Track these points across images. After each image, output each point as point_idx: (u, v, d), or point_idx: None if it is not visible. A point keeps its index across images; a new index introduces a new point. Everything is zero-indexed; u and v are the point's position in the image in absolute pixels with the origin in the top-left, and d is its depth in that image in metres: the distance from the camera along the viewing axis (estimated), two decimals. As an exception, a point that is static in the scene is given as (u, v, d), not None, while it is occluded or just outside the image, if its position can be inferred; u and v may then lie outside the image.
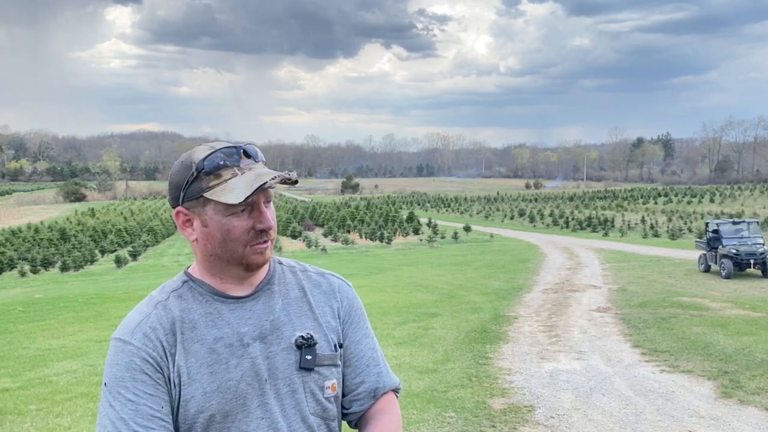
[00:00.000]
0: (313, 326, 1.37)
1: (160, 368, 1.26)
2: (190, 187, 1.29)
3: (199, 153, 1.29)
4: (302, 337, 1.34)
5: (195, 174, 1.27)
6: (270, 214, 1.32)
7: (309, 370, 1.33)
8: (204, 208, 1.29)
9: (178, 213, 1.34)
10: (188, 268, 1.40)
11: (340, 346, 1.41)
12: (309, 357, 1.33)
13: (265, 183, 1.24)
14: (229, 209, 1.27)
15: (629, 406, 5.91)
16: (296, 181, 1.32)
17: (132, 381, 1.24)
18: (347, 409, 1.45)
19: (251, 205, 1.28)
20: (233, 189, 1.25)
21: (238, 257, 1.31)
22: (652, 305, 11.58)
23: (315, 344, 1.34)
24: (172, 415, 1.27)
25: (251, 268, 1.33)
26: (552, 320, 10.37)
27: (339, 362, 1.39)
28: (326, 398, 1.36)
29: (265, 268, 1.39)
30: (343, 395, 1.44)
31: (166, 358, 1.27)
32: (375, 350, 1.48)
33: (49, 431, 5.44)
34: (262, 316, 1.34)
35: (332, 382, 1.37)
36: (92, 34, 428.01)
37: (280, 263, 1.45)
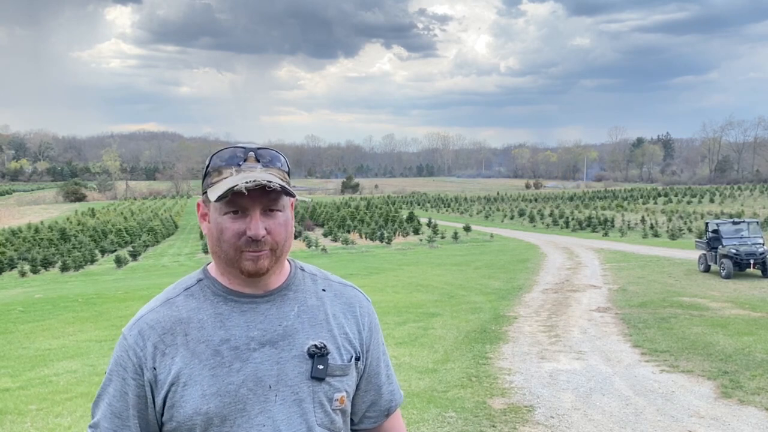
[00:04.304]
0: (327, 337, 1.34)
1: (141, 370, 1.27)
2: (204, 182, 1.33)
3: (218, 150, 1.32)
4: (315, 346, 1.31)
5: (206, 169, 1.32)
6: (272, 223, 1.28)
7: (320, 380, 1.30)
8: (209, 204, 1.30)
9: (198, 205, 1.36)
10: (208, 264, 1.38)
11: (357, 359, 1.38)
12: (321, 367, 1.30)
13: (235, 186, 1.21)
14: (224, 209, 1.26)
15: (629, 406, 5.90)
16: (288, 193, 1.27)
17: (116, 376, 1.29)
18: (358, 424, 1.45)
19: (243, 209, 1.26)
20: (219, 188, 1.25)
21: (231, 260, 1.28)
22: (652, 305, 11.58)
23: (327, 354, 1.31)
24: (155, 415, 1.28)
25: (245, 274, 1.29)
26: (552, 320, 10.36)
27: (350, 374, 1.36)
28: (334, 410, 1.32)
29: (284, 272, 1.37)
30: (356, 410, 1.44)
31: (154, 359, 1.26)
32: (389, 367, 1.50)
33: (49, 431, 5.43)
34: (275, 321, 1.31)
35: (342, 395, 1.33)
36: (92, 34, 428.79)
37: (302, 269, 1.42)
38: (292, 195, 1.29)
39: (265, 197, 1.25)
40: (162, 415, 1.27)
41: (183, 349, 1.26)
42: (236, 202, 1.25)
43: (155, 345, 1.27)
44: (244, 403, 1.25)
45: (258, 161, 1.29)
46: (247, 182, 1.21)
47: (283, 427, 1.26)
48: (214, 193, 1.25)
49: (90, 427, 1.31)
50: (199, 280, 1.35)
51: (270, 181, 1.23)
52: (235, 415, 1.24)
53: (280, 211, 1.29)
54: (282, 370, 1.28)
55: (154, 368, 1.26)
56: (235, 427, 1.24)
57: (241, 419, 1.24)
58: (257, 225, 1.25)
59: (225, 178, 1.27)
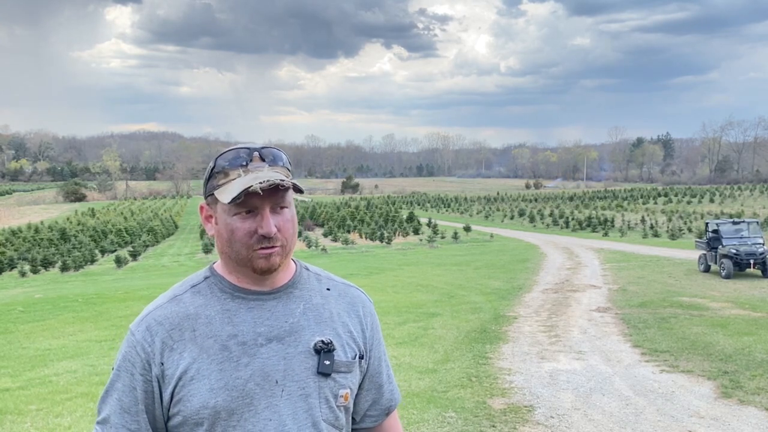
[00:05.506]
0: (332, 334, 1.36)
1: (149, 365, 1.28)
2: (208, 184, 1.34)
3: (221, 152, 1.34)
4: (322, 341, 1.33)
5: (210, 171, 1.33)
6: (281, 219, 1.30)
7: (326, 375, 1.32)
8: (216, 205, 1.33)
9: (201, 207, 1.38)
10: (214, 263, 1.41)
11: (361, 358, 1.40)
12: (327, 362, 1.32)
13: (249, 186, 1.23)
14: (233, 210, 1.29)
15: (629, 406, 5.91)
16: (298, 189, 1.30)
17: (125, 371, 1.30)
18: (360, 423, 1.48)
19: (254, 208, 1.28)
20: (230, 189, 1.27)
21: (243, 259, 1.31)
22: (652, 305, 11.58)
23: (333, 350, 1.34)
24: (162, 410, 1.29)
25: (258, 272, 1.32)
26: (552, 320, 10.37)
27: (354, 372, 1.38)
28: (338, 406, 1.35)
29: (289, 271, 1.39)
30: (358, 409, 1.46)
31: (162, 354, 1.28)
32: (389, 367, 1.53)
33: (49, 431, 5.43)
34: (281, 317, 1.33)
35: (346, 392, 1.36)
36: (92, 34, 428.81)
37: (307, 269, 1.45)
38: (302, 191, 1.33)
39: (274, 195, 1.28)
40: (169, 410, 1.29)
41: (191, 344, 1.28)
42: (248, 202, 1.27)
43: (163, 340, 1.29)
44: (251, 397, 1.27)
45: (263, 160, 1.31)
46: (261, 182, 1.24)
47: (289, 421, 1.28)
48: (226, 195, 1.27)
49: (98, 423, 1.32)
50: (206, 278, 1.37)
51: (283, 180, 1.26)
52: (242, 410, 1.26)
53: (287, 207, 1.32)
54: (289, 366, 1.30)
55: (162, 363, 1.28)
56: (242, 422, 1.26)
57: (248, 413, 1.26)
58: (269, 223, 1.28)
59: (233, 179, 1.29)
